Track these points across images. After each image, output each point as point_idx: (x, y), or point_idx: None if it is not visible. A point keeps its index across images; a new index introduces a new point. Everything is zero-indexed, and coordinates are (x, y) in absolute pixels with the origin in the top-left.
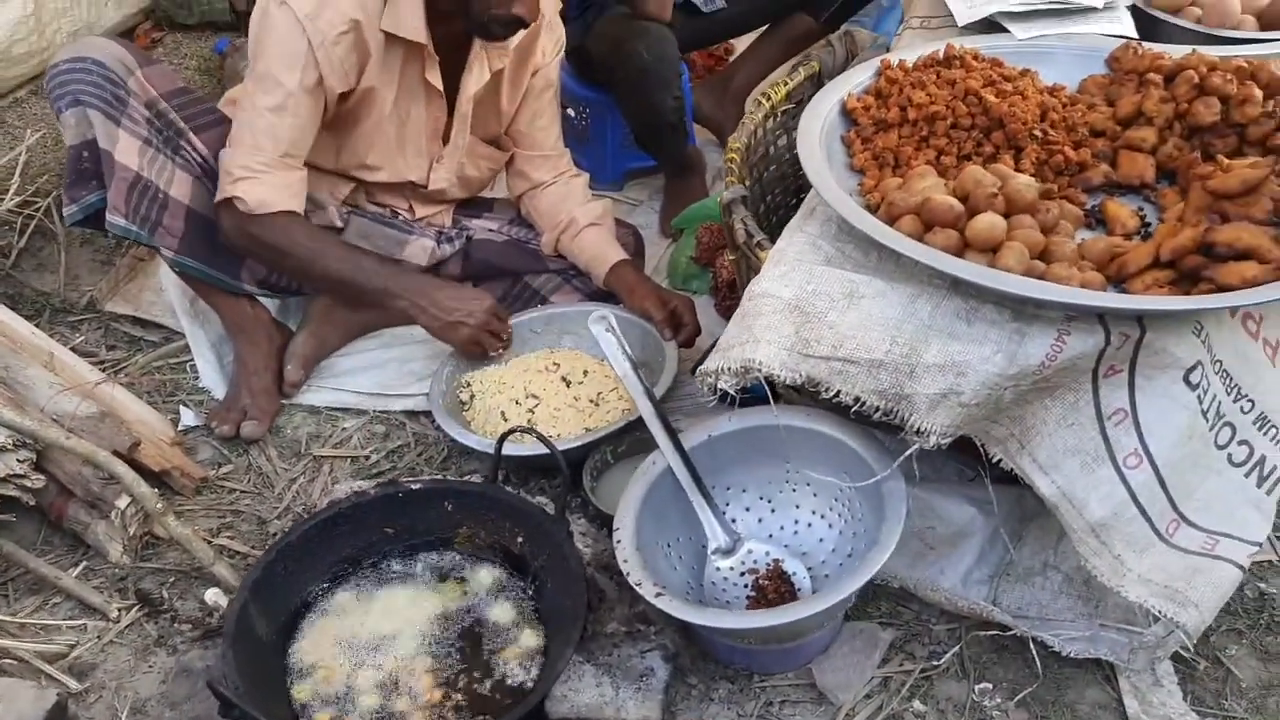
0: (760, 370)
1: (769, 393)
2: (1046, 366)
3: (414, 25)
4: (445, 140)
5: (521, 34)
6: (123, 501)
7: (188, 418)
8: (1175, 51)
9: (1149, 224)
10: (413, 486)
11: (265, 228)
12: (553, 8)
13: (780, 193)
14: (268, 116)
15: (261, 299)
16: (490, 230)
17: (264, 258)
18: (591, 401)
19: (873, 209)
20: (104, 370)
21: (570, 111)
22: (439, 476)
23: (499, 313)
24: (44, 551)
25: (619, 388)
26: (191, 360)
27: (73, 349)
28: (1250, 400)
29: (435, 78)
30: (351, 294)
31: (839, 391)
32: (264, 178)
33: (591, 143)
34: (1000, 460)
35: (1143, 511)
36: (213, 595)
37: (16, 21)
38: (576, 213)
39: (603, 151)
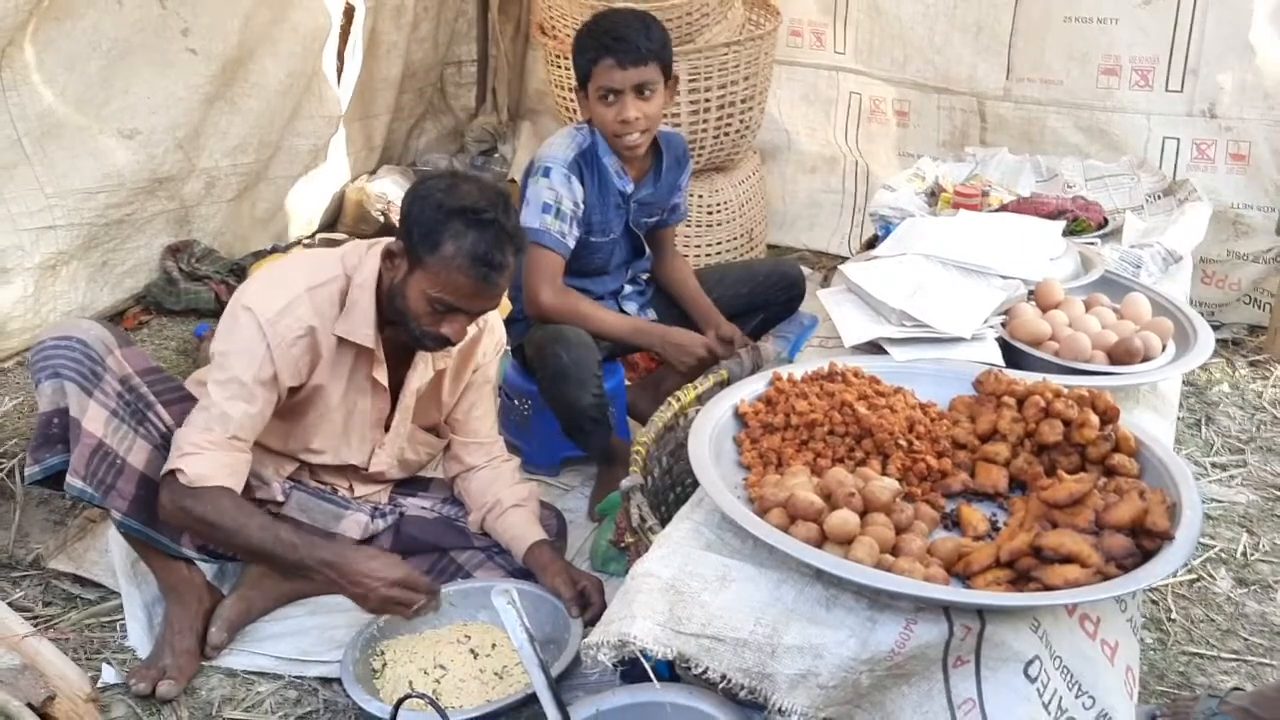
0: (635, 644)
1: (649, 669)
2: (897, 654)
3: (364, 332)
4: (387, 428)
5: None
6: None
7: (108, 675)
8: (1031, 378)
9: (999, 528)
10: None
11: (197, 500)
12: (496, 314)
13: (691, 484)
14: (223, 405)
15: (199, 563)
16: (423, 508)
17: (194, 529)
18: (496, 674)
19: (754, 502)
20: (37, 624)
21: (515, 401)
22: None
23: (409, 581)
24: None
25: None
26: (122, 619)
27: (10, 603)
28: (1091, 697)
29: (382, 376)
30: (272, 564)
31: (707, 668)
32: (208, 454)
33: (532, 431)
34: None
35: None
36: None
37: (16, 300)
38: (503, 494)
39: (541, 439)
